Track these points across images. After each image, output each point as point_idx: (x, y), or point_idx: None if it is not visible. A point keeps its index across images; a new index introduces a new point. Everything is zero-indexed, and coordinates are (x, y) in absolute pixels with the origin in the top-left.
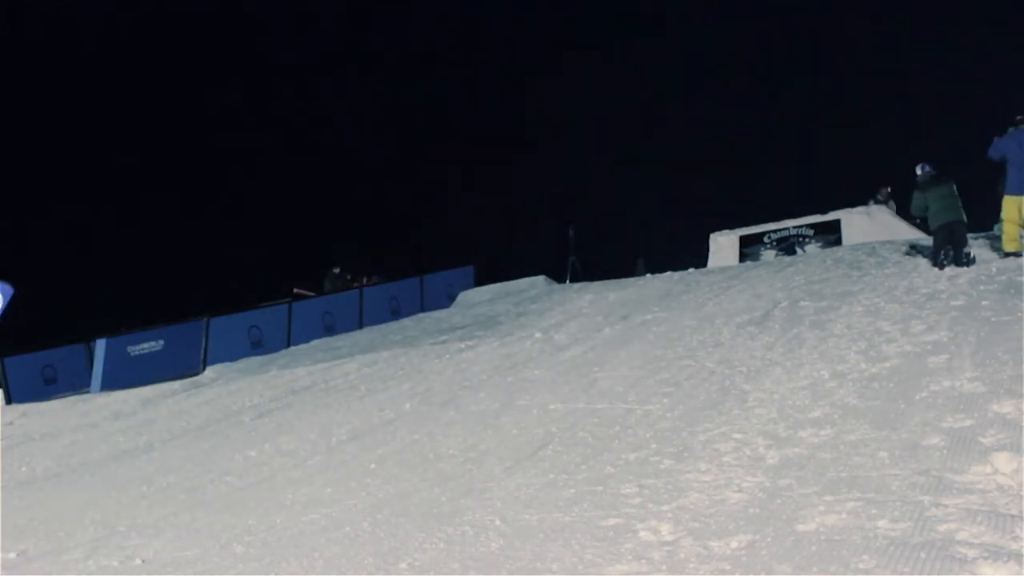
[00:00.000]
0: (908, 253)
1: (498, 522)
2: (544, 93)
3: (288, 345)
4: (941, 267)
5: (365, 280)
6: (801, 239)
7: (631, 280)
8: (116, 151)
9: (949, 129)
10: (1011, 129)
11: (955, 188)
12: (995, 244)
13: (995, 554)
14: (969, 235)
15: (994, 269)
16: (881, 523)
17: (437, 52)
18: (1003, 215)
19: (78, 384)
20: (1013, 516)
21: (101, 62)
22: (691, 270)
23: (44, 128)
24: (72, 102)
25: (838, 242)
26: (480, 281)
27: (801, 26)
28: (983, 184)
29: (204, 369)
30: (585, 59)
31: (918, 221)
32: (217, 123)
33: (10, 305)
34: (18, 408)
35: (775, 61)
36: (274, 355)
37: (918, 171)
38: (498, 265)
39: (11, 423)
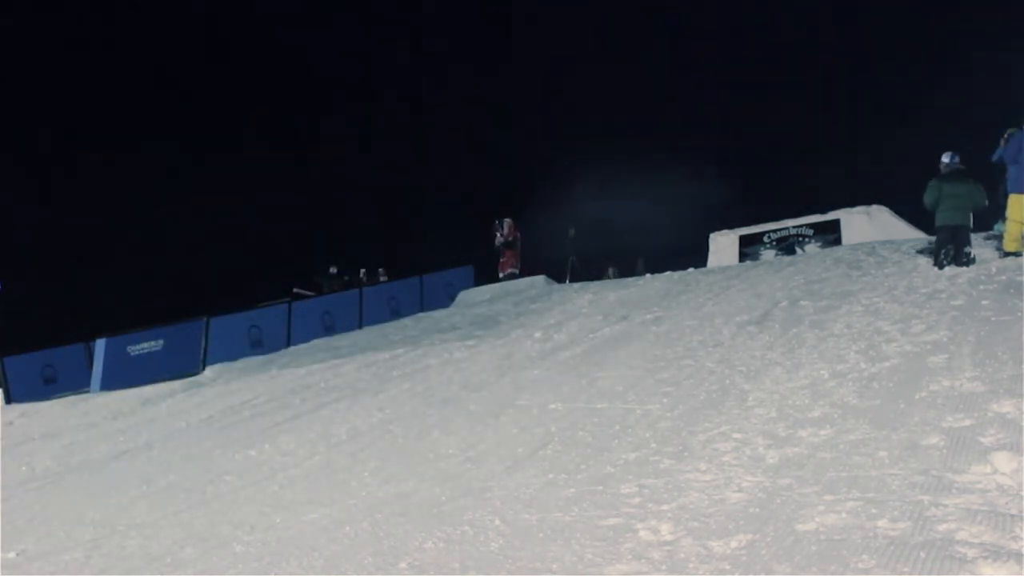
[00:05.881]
0: (908, 253)
1: (498, 522)
2: (544, 91)
3: (288, 345)
4: (941, 267)
5: (363, 274)
6: (801, 239)
7: (631, 280)
8: (117, 150)
9: (948, 128)
10: (1013, 130)
11: (972, 189)
12: (995, 244)
13: (995, 554)
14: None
15: (994, 269)
16: (881, 523)
17: (437, 51)
18: (1009, 214)
19: (78, 384)
20: (1013, 516)
21: (101, 62)
22: (691, 270)
23: (41, 124)
24: (73, 98)
25: (838, 242)
26: (480, 281)
27: (801, 26)
28: (984, 185)
29: (204, 369)
30: (586, 57)
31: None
32: (217, 121)
33: None
34: (18, 408)
35: (775, 60)
36: (274, 355)
37: (945, 159)
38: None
39: (11, 423)
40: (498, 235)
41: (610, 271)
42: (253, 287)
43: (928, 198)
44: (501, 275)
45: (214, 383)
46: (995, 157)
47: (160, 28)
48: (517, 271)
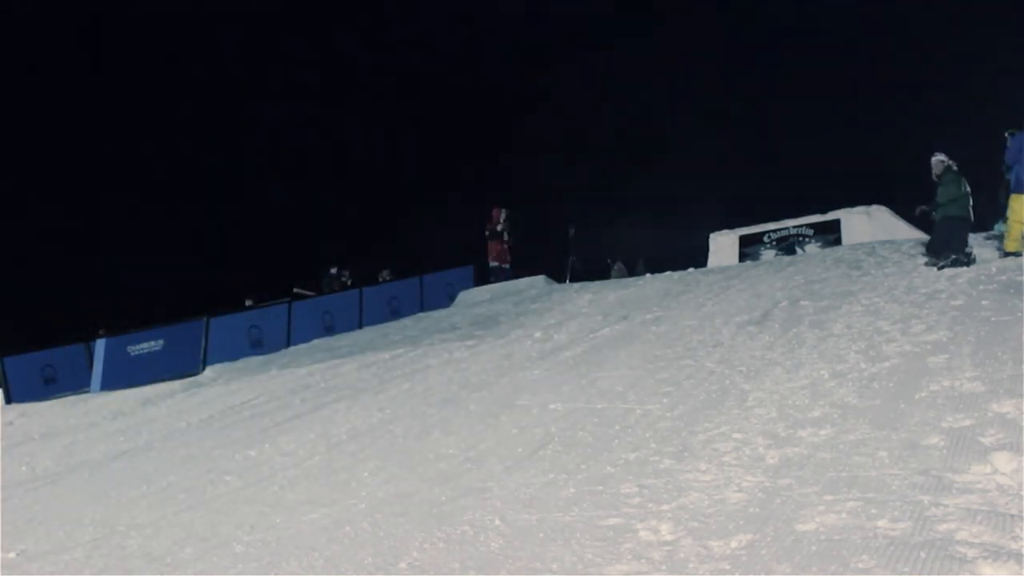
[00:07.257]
0: (908, 253)
1: (498, 522)
2: (543, 91)
3: (288, 345)
4: (940, 268)
5: (346, 276)
6: (801, 239)
7: (631, 280)
8: (116, 150)
9: (947, 129)
10: (1013, 131)
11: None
12: (996, 244)
13: (995, 554)
14: (970, 234)
15: (994, 269)
16: (881, 523)
17: (436, 51)
18: (1011, 215)
19: (78, 384)
20: (1013, 516)
21: (100, 59)
22: (691, 270)
23: (41, 125)
24: (71, 97)
25: (838, 242)
26: (480, 281)
27: (800, 25)
28: (985, 185)
29: (204, 369)
30: (585, 57)
31: (923, 210)
32: (218, 121)
33: None
34: (18, 408)
35: (775, 60)
36: (274, 355)
37: (942, 159)
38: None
39: (11, 423)
40: (497, 226)
41: (618, 267)
42: (253, 288)
43: (954, 190)
44: (491, 263)
45: (214, 383)
46: (1009, 175)
47: (157, 26)
48: (508, 266)
